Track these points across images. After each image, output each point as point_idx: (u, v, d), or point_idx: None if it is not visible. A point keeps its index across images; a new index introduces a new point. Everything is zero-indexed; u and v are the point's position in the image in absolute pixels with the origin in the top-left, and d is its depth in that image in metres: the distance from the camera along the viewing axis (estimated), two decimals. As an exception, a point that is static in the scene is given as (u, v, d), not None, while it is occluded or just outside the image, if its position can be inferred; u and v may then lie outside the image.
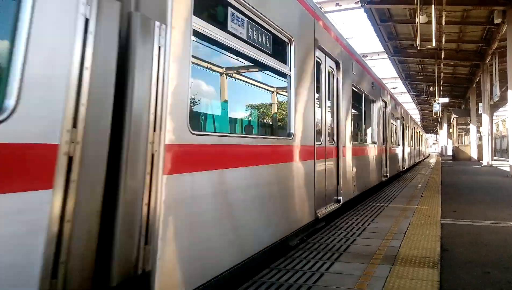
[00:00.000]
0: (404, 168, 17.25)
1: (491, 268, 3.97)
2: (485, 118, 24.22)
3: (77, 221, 2.16)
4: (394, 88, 39.56)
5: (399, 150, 16.28)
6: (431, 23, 14.58)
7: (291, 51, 4.85)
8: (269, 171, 4.30)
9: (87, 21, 2.22)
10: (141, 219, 2.56)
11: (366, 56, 29.74)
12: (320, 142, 6.07)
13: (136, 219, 2.53)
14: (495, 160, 29.48)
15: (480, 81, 25.95)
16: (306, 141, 5.27)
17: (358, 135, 9.62)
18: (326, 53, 6.40)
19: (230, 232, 3.49)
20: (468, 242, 5.06)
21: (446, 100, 32.53)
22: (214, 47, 3.74)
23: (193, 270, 2.95)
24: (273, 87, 5.24)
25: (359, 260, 4.13)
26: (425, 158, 40.76)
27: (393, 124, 14.55)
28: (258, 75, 5.02)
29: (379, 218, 6.54)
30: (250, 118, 5.02)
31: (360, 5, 18.45)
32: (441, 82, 30.42)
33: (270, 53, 4.40)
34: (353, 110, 8.21)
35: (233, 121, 4.62)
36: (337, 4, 21.01)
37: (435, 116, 45.99)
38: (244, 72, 4.76)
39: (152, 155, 2.62)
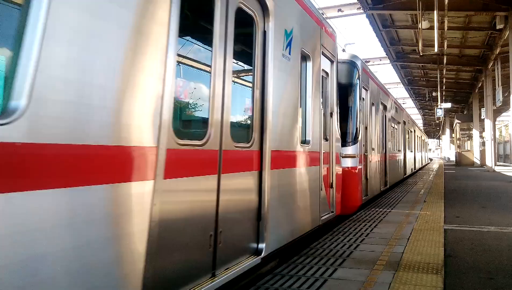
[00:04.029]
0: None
1: (495, 274, 3.95)
2: (487, 123, 24.18)
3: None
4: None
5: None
6: (433, 29, 14.60)
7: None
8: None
9: None
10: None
11: (368, 62, 29.78)
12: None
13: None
14: (498, 165, 29.38)
15: (482, 86, 25.94)
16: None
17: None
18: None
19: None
20: (472, 248, 5.05)
21: (448, 105, 32.52)
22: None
23: None
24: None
25: (362, 266, 4.13)
26: (429, 163, 42.54)
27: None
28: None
29: (382, 224, 6.53)
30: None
31: (362, 11, 18.51)
32: (444, 88, 30.44)
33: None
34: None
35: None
36: (339, 10, 21.06)
37: (437, 121, 45.97)
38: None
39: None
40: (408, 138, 19.31)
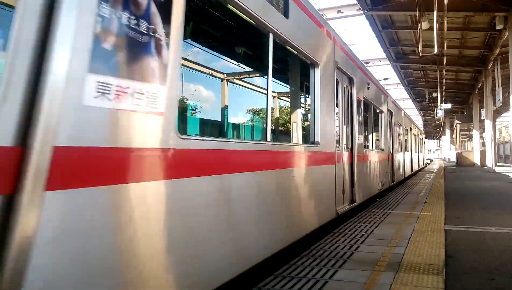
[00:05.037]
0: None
1: (496, 275, 3.95)
2: (487, 124, 24.17)
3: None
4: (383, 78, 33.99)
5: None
6: (433, 29, 14.62)
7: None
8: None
9: None
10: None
11: (368, 63, 29.79)
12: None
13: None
14: (498, 165, 29.37)
15: (482, 87, 25.95)
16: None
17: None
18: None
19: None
20: (473, 248, 5.04)
21: (448, 106, 32.52)
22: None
23: None
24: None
25: (363, 267, 4.12)
26: (425, 166, 34.97)
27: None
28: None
29: (382, 225, 6.52)
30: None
31: (362, 12, 18.54)
32: (444, 88, 30.44)
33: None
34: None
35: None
36: (338, 11, 21.10)
37: (437, 122, 45.99)
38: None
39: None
40: (379, 125, 12.60)
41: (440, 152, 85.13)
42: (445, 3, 13.75)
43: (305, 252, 4.77)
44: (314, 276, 3.84)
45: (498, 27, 16.99)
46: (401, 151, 16.96)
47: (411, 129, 22.03)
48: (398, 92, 41.82)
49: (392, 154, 14.08)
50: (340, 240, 5.40)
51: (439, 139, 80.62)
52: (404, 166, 17.74)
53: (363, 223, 6.74)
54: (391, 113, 14.15)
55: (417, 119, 56.43)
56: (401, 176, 16.63)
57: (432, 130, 72.59)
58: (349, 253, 4.69)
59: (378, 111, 12.16)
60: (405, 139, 19.00)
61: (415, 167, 24.42)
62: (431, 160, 60.40)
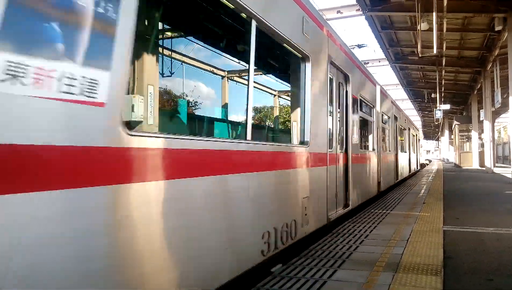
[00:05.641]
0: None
1: (494, 276, 3.95)
2: (486, 124, 24.19)
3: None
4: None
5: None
6: (432, 30, 14.64)
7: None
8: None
9: None
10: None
11: (367, 63, 29.79)
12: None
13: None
14: (497, 166, 29.41)
15: (481, 88, 25.99)
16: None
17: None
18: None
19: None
20: (471, 249, 5.05)
21: (447, 106, 32.55)
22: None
23: None
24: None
25: (362, 267, 4.12)
26: (427, 164, 32.58)
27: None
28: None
29: (381, 225, 6.53)
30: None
31: (361, 12, 18.55)
32: (442, 89, 30.45)
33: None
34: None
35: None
36: (338, 12, 21.09)
37: (436, 123, 46.03)
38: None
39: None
40: (312, 95, 5.52)
41: (439, 152, 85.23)
42: (444, 4, 13.78)
43: (304, 252, 4.77)
44: (313, 276, 3.84)
45: (497, 28, 17.02)
46: (373, 150, 10.87)
47: (396, 118, 15.54)
48: (397, 93, 41.87)
49: (347, 153, 7.63)
50: (338, 240, 5.41)
51: (438, 140, 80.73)
52: (379, 174, 11.26)
53: (362, 223, 6.74)
54: (345, 79, 7.68)
55: (416, 119, 56.49)
56: (373, 189, 10.54)
57: (431, 131, 72.70)
58: (348, 253, 4.70)
59: (296, 54, 5.30)
60: (386, 133, 13.34)
61: (404, 173, 18.07)
62: (430, 161, 60.57)
